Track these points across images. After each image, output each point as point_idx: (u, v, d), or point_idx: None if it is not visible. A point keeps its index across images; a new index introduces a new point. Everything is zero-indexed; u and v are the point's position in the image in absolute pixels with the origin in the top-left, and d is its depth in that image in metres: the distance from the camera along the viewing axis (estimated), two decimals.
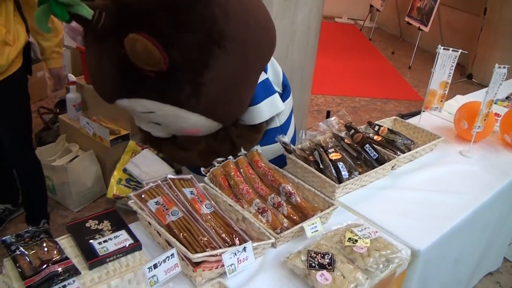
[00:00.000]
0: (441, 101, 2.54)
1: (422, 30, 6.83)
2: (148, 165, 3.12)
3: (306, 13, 3.41)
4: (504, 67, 2.18)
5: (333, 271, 1.36)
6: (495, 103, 2.67)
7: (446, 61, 2.43)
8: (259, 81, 1.92)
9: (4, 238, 1.38)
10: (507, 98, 3.12)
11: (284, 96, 2.08)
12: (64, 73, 2.69)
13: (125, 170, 3.10)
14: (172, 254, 1.26)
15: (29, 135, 2.61)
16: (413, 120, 2.55)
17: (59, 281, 1.23)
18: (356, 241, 1.48)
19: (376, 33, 8.60)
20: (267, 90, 1.98)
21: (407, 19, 7.32)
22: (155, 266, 1.23)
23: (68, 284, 1.24)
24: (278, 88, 2.07)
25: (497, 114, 2.61)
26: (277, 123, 2.08)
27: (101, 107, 3.27)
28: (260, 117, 1.95)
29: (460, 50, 2.41)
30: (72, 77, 3.30)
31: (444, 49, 2.40)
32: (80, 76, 3.38)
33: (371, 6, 8.90)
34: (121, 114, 3.16)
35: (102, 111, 3.27)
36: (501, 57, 5.95)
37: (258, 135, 1.99)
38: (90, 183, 3.15)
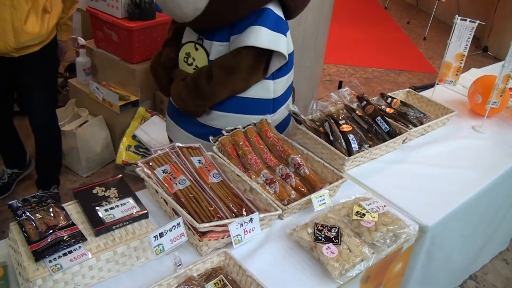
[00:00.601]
0: (456, 74, 2.48)
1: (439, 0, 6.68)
2: (157, 132, 3.11)
3: None
4: None
5: (339, 244, 1.36)
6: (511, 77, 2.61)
7: (463, 33, 2.37)
8: (278, 14, 1.84)
9: (11, 202, 1.38)
10: None
11: (284, 70, 1.98)
12: (69, 46, 2.72)
13: (134, 137, 3.09)
14: (179, 223, 1.26)
15: (56, 99, 2.73)
16: (426, 93, 2.50)
17: (65, 247, 1.23)
18: (364, 215, 1.47)
19: (392, 2, 8.41)
20: (278, 25, 1.83)
21: None
22: (161, 235, 1.23)
23: (74, 250, 1.24)
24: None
25: (511, 89, 2.56)
26: (271, 94, 1.95)
27: (111, 72, 3.25)
28: (256, 40, 1.76)
29: (478, 21, 2.34)
30: (82, 41, 3.26)
31: (461, 19, 2.34)
32: (90, 40, 3.35)
33: None
34: (131, 79, 3.14)
35: (112, 76, 3.25)
36: None
37: (235, 74, 1.84)
38: (99, 149, 3.15)
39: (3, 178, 2.92)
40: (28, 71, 2.43)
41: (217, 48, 1.86)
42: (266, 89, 1.93)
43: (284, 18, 1.88)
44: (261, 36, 1.76)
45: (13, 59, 2.31)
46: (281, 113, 2.02)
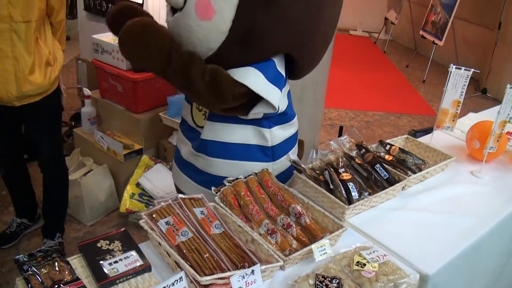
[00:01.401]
0: (453, 120, 2.54)
1: (436, 44, 6.82)
2: (161, 179, 3.15)
3: None
4: None
5: None
6: (508, 122, 2.66)
7: (458, 80, 2.43)
8: (279, 70, 1.82)
9: (17, 257, 1.41)
10: None
11: (281, 120, 1.98)
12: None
13: (138, 185, 3.13)
14: (181, 278, 1.28)
15: (62, 145, 2.81)
16: (424, 139, 2.55)
17: None
18: (365, 265, 1.48)
19: (390, 46, 8.61)
20: (276, 79, 1.81)
21: (421, 33, 7.31)
22: None
23: None
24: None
25: (509, 133, 2.60)
26: (269, 142, 1.94)
27: (115, 121, 3.33)
28: (249, 81, 1.70)
29: (473, 69, 2.40)
30: (87, 91, 3.36)
31: (456, 68, 2.40)
32: (95, 90, 3.44)
33: (386, 19, 8.91)
34: (135, 128, 3.20)
35: (116, 125, 3.32)
36: None
37: (222, 100, 1.72)
38: (104, 198, 3.19)
39: (11, 227, 2.96)
40: (31, 120, 2.54)
41: None
42: (263, 136, 1.93)
43: (284, 75, 1.87)
44: (256, 79, 1.73)
45: (15, 108, 2.39)
46: (282, 163, 2.04)
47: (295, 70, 1.95)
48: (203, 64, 1.66)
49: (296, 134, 2.12)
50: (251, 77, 1.72)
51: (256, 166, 1.91)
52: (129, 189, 3.13)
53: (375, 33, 9.45)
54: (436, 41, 6.79)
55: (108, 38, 3.14)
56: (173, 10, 1.75)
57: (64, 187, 2.85)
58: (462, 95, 2.47)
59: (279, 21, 1.69)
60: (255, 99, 1.77)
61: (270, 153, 1.97)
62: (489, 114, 2.88)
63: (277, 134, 1.97)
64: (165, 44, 1.59)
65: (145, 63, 1.65)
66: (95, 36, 3.22)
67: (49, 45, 2.42)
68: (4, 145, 2.68)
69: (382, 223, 1.84)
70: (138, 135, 3.21)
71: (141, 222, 1.55)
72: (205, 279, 1.29)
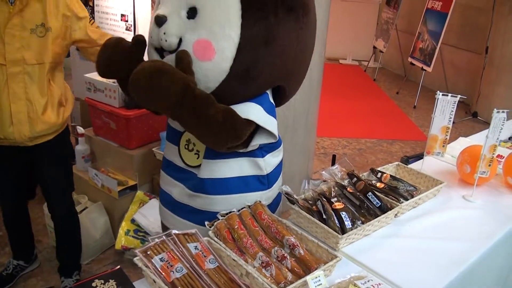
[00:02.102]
0: (443, 146, 2.57)
1: (425, 70, 6.92)
2: (156, 215, 3.13)
3: None
4: (503, 112, 2.21)
5: None
6: (498, 145, 2.69)
7: (445, 107, 2.47)
8: (271, 101, 1.87)
9: None
10: (510, 138, 3.14)
11: (272, 147, 2.00)
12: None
13: (133, 221, 3.13)
14: None
15: (72, 185, 2.82)
16: (416, 165, 2.57)
17: None
18: None
19: (380, 73, 8.72)
20: (271, 110, 1.86)
21: (410, 59, 7.43)
22: None
23: None
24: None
25: (499, 156, 2.63)
26: (264, 171, 1.97)
27: (109, 158, 3.34)
28: (255, 115, 1.75)
29: (459, 96, 2.44)
30: (81, 129, 3.38)
31: (443, 94, 2.44)
32: (89, 128, 3.46)
33: (375, 47, 9.05)
34: (129, 164, 3.22)
35: (110, 162, 3.34)
36: (504, 94, 6.01)
37: (237, 138, 1.73)
38: (99, 235, 3.18)
39: (8, 269, 2.94)
40: (43, 159, 2.55)
41: None
42: (257, 166, 1.96)
43: (274, 105, 1.92)
44: (259, 113, 1.78)
45: (28, 149, 2.41)
46: (275, 189, 2.07)
47: (281, 99, 2.00)
48: (217, 104, 1.67)
49: (282, 159, 2.15)
50: (255, 112, 1.77)
51: (254, 196, 1.94)
52: (124, 225, 3.13)
53: (364, 61, 9.59)
54: (425, 67, 6.90)
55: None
56: (160, 50, 1.74)
57: (75, 228, 2.85)
58: (450, 121, 2.50)
59: (278, 57, 1.75)
60: (253, 132, 1.81)
61: (266, 181, 2.00)
62: (479, 138, 2.92)
63: (270, 162, 2.01)
64: (179, 85, 1.58)
65: (158, 105, 1.65)
66: (87, 75, 3.27)
67: (60, 86, 2.45)
68: (11, 186, 2.67)
69: (376, 251, 1.84)
70: (132, 171, 3.22)
71: (135, 259, 1.56)
72: None
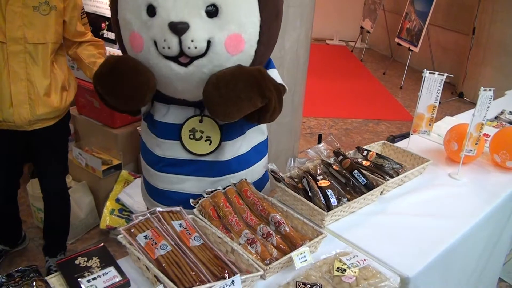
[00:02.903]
0: (430, 124, 2.56)
1: (412, 50, 6.92)
2: (141, 194, 3.12)
3: (294, 39, 3.47)
4: (490, 90, 2.21)
5: None
6: (485, 124, 2.70)
7: (432, 85, 2.46)
8: None
9: None
10: (496, 118, 3.16)
11: None
12: None
13: (118, 200, 3.11)
14: None
15: (67, 168, 2.81)
16: (402, 144, 2.57)
17: None
18: (345, 270, 1.49)
19: (367, 54, 8.71)
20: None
21: (397, 40, 7.42)
22: None
23: None
24: None
25: (486, 135, 2.64)
26: (265, 134, 2.04)
27: (93, 137, 3.30)
28: (279, 79, 1.85)
29: (446, 74, 2.44)
30: None
31: (430, 73, 2.43)
32: (72, 107, 3.40)
33: (362, 27, 9.02)
34: (113, 144, 3.18)
35: (94, 141, 3.30)
36: (491, 75, 6.04)
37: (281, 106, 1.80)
38: (83, 215, 3.15)
39: None
40: (40, 144, 2.50)
41: None
42: (262, 132, 2.02)
43: None
44: (279, 76, 1.88)
45: (26, 133, 2.36)
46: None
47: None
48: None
49: None
50: (278, 77, 1.86)
51: (264, 162, 2.02)
52: (109, 205, 3.10)
53: (351, 42, 9.56)
54: (412, 47, 6.89)
55: None
56: (176, 58, 1.60)
57: (66, 209, 2.83)
58: (437, 99, 2.50)
59: (279, 25, 1.82)
60: None
61: (267, 143, 2.06)
62: (465, 117, 2.92)
63: (265, 125, 2.05)
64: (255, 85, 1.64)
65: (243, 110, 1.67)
66: None
67: (64, 69, 2.41)
68: (4, 172, 2.59)
69: (362, 228, 1.84)
70: (116, 150, 3.18)
71: (119, 237, 1.54)
72: None
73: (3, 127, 2.30)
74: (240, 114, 1.66)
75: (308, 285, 1.41)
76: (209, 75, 1.61)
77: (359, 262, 1.53)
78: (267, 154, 2.09)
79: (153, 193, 2.01)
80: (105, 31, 3.38)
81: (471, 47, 6.53)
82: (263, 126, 2.01)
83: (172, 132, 1.84)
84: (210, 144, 1.84)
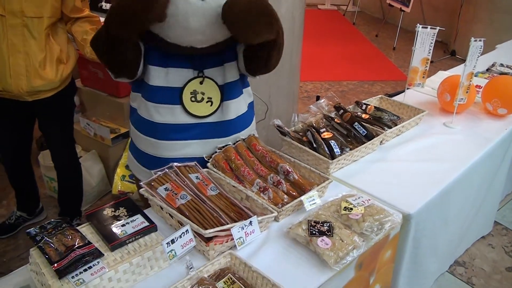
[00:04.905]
0: (423, 77, 2.68)
1: (404, 11, 6.96)
2: None
3: (289, 3, 3.54)
4: (480, 40, 2.32)
5: (332, 236, 1.50)
6: (475, 76, 2.81)
7: (425, 39, 2.57)
8: None
9: (28, 230, 1.50)
10: (487, 70, 3.27)
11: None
12: None
13: (127, 167, 3.21)
14: (187, 230, 1.39)
15: (73, 137, 2.86)
16: (398, 98, 2.69)
17: (85, 263, 1.35)
18: (351, 209, 1.62)
19: (359, 17, 8.73)
20: None
21: (388, 1, 7.44)
22: (172, 241, 1.36)
23: (93, 265, 1.36)
24: None
25: (478, 86, 2.76)
26: (252, 97, 2.07)
27: (99, 108, 3.39)
28: None
29: (438, 28, 2.54)
30: None
31: (422, 27, 2.53)
32: (77, 79, 3.48)
33: None
34: (120, 113, 3.28)
35: (101, 111, 3.39)
36: (481, 31, 6.09)
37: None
38: (95, 182, 3.27)
39: (11, 219, 3.03)
40: (42, 115, 2.60)
41: (228, 69, 1.88)
42: (249, 94, 2.05)
43: None
44: None
45: (28, 103, 2.44)
46: None
47: None
48: None
49: None
50: None
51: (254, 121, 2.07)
52: (119, 171, 3.22)
53: (343, 6, 9.55)
54: (403, 8, 6.93)
55: None
56: None
57: (77, 177, 2.94)
58: (430, 52, 2.61)
59: None
60: None
61: (253, 105, 2.10)
62: (457, 71, 3.03)
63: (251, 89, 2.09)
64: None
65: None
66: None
67: (61, 42, 2.45)
68: (11, 139, 2.71)
69: (364, 174, 1.98)
70: (123, 118, 3.27)
71: (141, 191, 1.66)
72: (209, 232, 1.41)
73: (5, 96, 2.41)
74: (260, 38, 1.68)
75: (319, 223, 1.55)
76: None
77: (364, 202, 1.66)
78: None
79: (152, 164, 1.88)
80: (103, 3, 3.44)
81: (461, 5, 6.57)
82: (250, 89, 2.04)
83: (172, 96, 1.82)
84: (211, 105, 1.87)
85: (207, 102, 1.86)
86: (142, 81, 1.86)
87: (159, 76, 1.80)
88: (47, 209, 3.24)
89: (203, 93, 1.84)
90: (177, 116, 1.84)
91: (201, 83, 1.83)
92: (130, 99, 1.98)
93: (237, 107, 1.93)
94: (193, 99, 1.83)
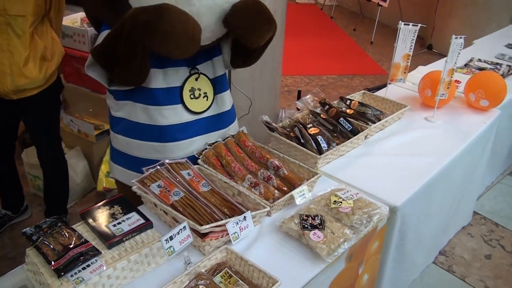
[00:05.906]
0: (405, 72, 2.74)
1: (381, 5, 7.05)
2: None
3: None
4: (461, 37, 2.38)
5: (324, 229, 1.55)
6: (455, 71, 2.89)
7: (407, 35, 2.62)
8: None
9: (24, 230, 1.50)
10: (465, 65, 3.36)
11: None
12: None
13: None
14: (184, 227, 1.42)
15: (59, 134, 2.84)
16: (380, 93, 2.75)
17: (83, 261, 1.37)
18: (341, 202, 1.67)
19: (336, 11, 8.80)
20: None
21: None
22: (171, 238, 1.39)
23: (92, 263, 1.38)
24: None
25: (457, 81, 2.84)
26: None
27: (83, 104, 3.38)
28: None
29: (420, 24, 2.60)
30: None
31: (404, 24, 2.59)
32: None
33: None
34: (103, 109, 3.26)
35: (84, 108, 3.38)
36: (458, 26, 6.22)
37: None
38: (79, 179, 3.26)
39: None
40: (28, 113, 2.58)
41: (216, 63, 1.93)
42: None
43: None
44: None
45: (14, 102, 2.43)
46: None
47: None
48: None
49: None
50: None
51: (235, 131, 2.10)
52: (104, 168, 3.22)
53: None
54: (381, 2, 7.02)
55: (68, 21, 3.17)
56: None
57: (63, 176, 2.92)
58: (411, 49, 2.67)
59: None
60: None
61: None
62: (436, 66, 3.11)
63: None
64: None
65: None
66: None
67: (46, 39, 2.43)
68: None
69: (351, 169, 2.03)
70: (106, 115, 3.24)
71: (133, 188, 1.68)
72: (204, 228, 1.44)
73: None
74: (262, 41, 1.78)
75: (311, 216, 1.59)
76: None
77: (352, 196, 1.72)
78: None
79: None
80: None
81: (438, 0, 6.69)
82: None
83: (173, 96, 1.82)
84: (207, 100, 1.91)
85: (203, 97, 1.89)
86: (136, 87, 1.81)
87: (158, 78, 1.79)
88: (31, 207, 3.23)
89: (199, 89, 1.87)
90: (180, 116, 1.84)
91: (196, 79, 1.85)
92: (112, 109, 1.96)
93: (229, 98, 2.02)
94: (192, 96, 1.85)
